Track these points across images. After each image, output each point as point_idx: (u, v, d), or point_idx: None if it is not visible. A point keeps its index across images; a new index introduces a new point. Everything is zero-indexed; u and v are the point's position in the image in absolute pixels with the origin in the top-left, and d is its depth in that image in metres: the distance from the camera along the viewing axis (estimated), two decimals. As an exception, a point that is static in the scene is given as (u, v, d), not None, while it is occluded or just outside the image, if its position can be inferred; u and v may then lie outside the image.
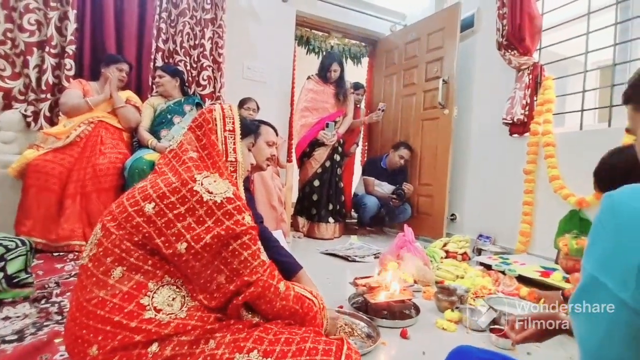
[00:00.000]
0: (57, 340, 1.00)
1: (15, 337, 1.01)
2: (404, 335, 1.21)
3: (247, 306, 0.78)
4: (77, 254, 1.84)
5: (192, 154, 0.84)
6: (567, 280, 1.76)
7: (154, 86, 2.52)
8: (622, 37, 2.14)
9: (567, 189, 2.21)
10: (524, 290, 1.70)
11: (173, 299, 0.70)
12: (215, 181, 0.76)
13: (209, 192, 0.73)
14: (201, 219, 0.71)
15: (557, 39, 2.51)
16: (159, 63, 2.54)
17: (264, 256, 0.79)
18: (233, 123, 0.94)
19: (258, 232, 0.80)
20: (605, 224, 0.38)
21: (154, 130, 2.31)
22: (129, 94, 2.35)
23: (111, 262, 0.68)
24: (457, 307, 1.44)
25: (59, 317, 1.16)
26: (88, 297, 0.66)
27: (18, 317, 1.14)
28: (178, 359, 0.63)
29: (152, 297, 0.67)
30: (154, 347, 0.63)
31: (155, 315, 0.66)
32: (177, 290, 0.71)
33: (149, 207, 0.71)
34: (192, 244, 0.70)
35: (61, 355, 0.93)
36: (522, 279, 1.85)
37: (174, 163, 0.83)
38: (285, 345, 0.68)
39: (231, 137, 0.92)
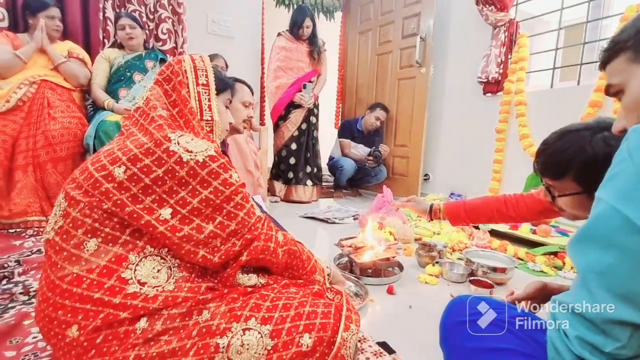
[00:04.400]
0: (26, 322, 0.92)
1: (-23, 322, 0.92)
2: (390, 291, 1.25)
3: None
4: (37, 229, 1.69)
5: (161, 112, 0.74)
6: (534, 232, 1.89)
7: (105, 40, 2.24)
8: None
9: (535, 147, 2.30)
10: (496, 242, 1.80)
11: (158, 271, 0.63)
12: (192, 139, 0.68)
13: (188, 151, 0.65)
14: (184, 180, 0.64)
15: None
16: (109, 13, 2.23)
17: (258, 212, 0.75)
18: (206, 76, 0.83)
19: None
20: (634, 155, 0.38)
21: (112, 90, 2.06)
22: (70, 45, 2.03)
23: (83, 233, 0.60)
24: (437, 262, 1.50)
25: (25, 298, 1.07)
26: (60, 274, 0.58)
27: (-24, 300, 1.03)
28: (170, 332, 0.59)
29: (135, 270, 0.61)
30: (143, 323, 0.58)
31: (140, 289, 0.60)
32: (162, 261, 0.64)
33: (119, 172, 0.62)
34: (178, 208, 0.63)
35: (34, 338, 0.86)
36: (493, 233, 1.96)
37: (142, 122, 0.73)
38: (284, 310, 0.66)
39: (205, 93, 0.82)
